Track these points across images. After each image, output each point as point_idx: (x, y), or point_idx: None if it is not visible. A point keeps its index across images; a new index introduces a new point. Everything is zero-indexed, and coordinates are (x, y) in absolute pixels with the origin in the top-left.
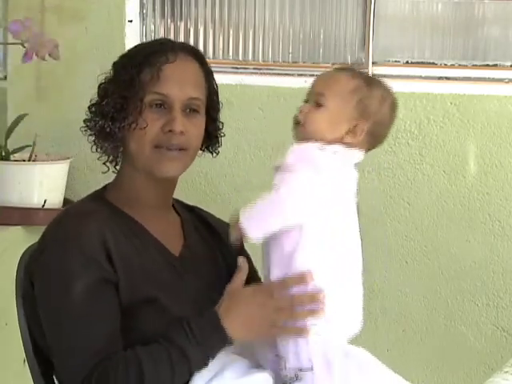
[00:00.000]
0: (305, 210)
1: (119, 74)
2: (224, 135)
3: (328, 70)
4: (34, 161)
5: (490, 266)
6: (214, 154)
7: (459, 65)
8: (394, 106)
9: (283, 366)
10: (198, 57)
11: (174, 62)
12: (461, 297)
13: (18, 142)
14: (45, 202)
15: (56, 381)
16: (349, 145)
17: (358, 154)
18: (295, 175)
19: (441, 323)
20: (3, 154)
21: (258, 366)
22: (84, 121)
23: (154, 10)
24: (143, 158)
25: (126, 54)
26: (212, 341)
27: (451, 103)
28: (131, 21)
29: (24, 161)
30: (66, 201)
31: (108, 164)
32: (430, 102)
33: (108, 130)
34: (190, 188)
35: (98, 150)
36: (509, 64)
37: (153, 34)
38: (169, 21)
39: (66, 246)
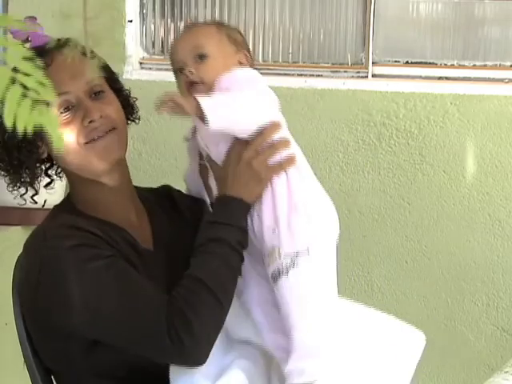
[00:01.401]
0: (266, 119)
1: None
2: (136, 99)
3: (175, 40)
4: None
5: (490, 266)
6: (137, 121)
7: (459, 65)
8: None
9: (277, 255)
10: (70, 45)
11: (52, 62)
12: (461, 297)
13: None
14: (45, 202)
15: (55, 382)
16: None
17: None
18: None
19: (441, 323)
20: None
21: (230, 346)
22: None
23: (154, 10)
24: (81, 159)
25: None
26: (233, 214)
27: (451, 103)
28: (131, 21)
29: None
30: None
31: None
32: (430, 102)
33: (16, 162)
34: None
35: (17, 186)
36: (509, 64)
37: (153, 34)
38: (169, 21)
39: (70, 248)
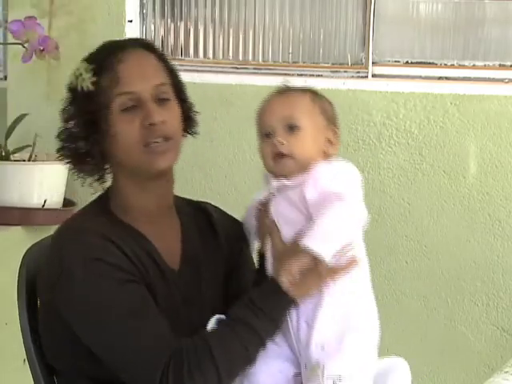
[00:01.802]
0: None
1: (77, 91)
2: (198, 113)
3: (266, 101)
4: (33, 161)
5: (490, 266)
6: (194, 135)
7: (459, 65)
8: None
9: (320, 373)
10: (147, 46)
11: (127, 59)
12: (461, 297)
13: (18, 142)
14: (45, 201)
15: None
16: (332, 154)
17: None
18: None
19: (441, 323)
20: (3, 153)
21: None
22: (57, 150)
23: (154, 10)
24: (134, 160)
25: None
26: (276, 307)
27: (451, 103)
28: (131, 21)
29: (24, 161)
30: (65, 201)
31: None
32: (430, 102)
33: (83, 151)
34: (190, 189)
35: (80, 175)
36: (509, 64)
37: (153, 34)
38: (169, 21)
39: (89, 264)
